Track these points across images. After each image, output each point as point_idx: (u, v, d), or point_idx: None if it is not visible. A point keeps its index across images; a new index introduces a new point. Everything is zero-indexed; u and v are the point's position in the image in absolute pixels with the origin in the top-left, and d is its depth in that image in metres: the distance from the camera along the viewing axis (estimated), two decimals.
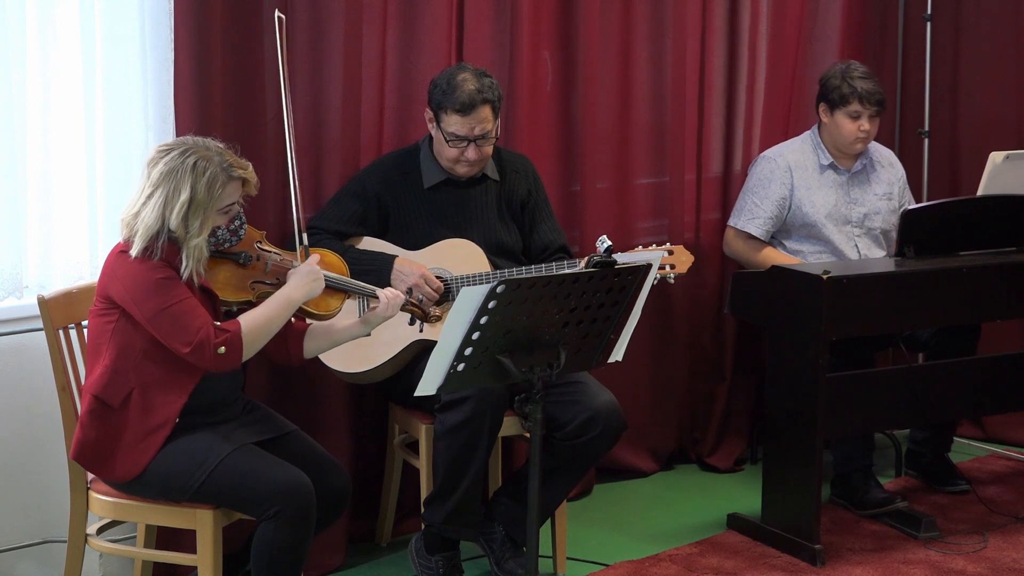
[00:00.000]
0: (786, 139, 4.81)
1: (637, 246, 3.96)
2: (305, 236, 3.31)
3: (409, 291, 3.38)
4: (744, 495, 4.59)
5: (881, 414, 4.19)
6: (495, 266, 3.85)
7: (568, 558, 3.98)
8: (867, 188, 4.66)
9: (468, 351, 2.80)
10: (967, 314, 4.33)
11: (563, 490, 3.80)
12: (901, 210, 4.38)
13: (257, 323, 3.11)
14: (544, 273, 3.74)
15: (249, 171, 3.14)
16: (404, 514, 4.21)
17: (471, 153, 3.81)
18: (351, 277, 3.36)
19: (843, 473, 4.43)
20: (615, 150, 4.69)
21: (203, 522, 3.13)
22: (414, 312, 3.36)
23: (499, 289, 2.73)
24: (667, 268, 3.86)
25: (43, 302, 3.26)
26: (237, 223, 3.18)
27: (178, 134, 3.52)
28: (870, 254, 4.61)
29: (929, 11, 5.32)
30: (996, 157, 4.47)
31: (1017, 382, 4.39)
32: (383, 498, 4.13)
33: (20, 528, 3.60)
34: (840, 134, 4.54)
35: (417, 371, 2.97)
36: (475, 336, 2.78)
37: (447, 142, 3.80)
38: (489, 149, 3.86)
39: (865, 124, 4.51)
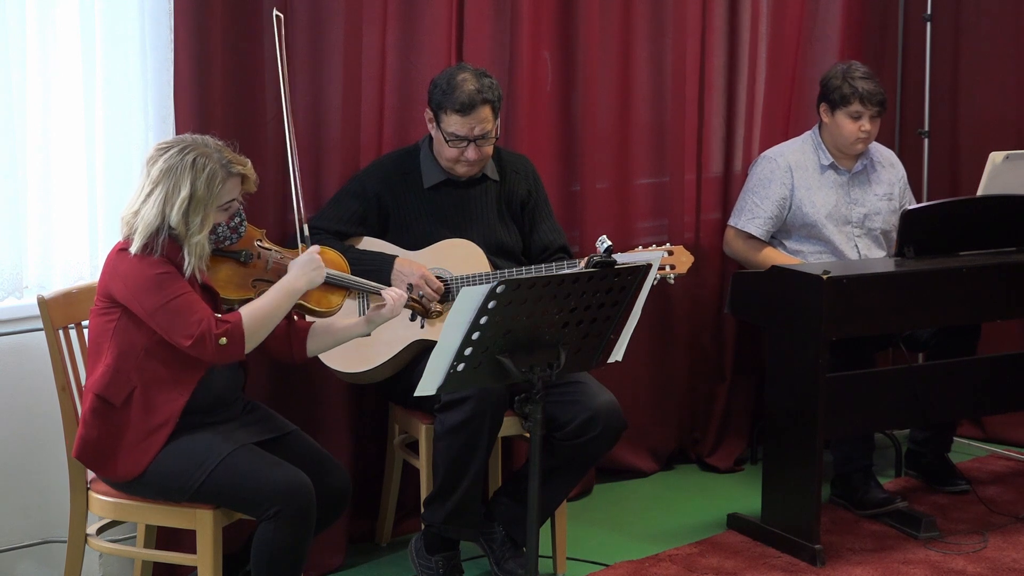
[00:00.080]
0: (786, 139, 4.81)
1: (637, 246, 3.96)
2: (306, 226, 3.31)
3: (409, 287, 3.38)
4: (744, 495, 4.59)
5: (881, 414, 4.19)
6: (495, 266, 3.85)
7: (568, 558, 3.98)
8: (867, 188, 4.66)
9: (468, 351, 2.80)
10: (967, 314, 4.33)
11: (563, 490, 3.80)
12: (901, 210, 4.38)
13: (258, 314, 3.10)
14: (544, 273, 3.74)
15: (248, 167, 3.14)
16: (404, 514, 4.21)
17: (471, 153, 3.81)
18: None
19: (843, 473, 4.43)
20: (615, 150, 4.68)
21: (203, 522, 3.13)
22: (415, 308, 3.36)
23: (499, 289, 2.73)
24: (667, 268, 3.86)
25: (43, 302, 3.27)
26: (237, 220, 3.18)
27: (178, 134, 3.52)
28: (870, 254, 4.61)
29: (929, 11, 5.32)
30: (996, 157, 4.47)
31: (1017, 382, 4.39)
32: (383, 498, 4.13)
33: (20, 528, 3.60)
34: (841, 134, 4.54)
35: (417, 371, 2.97)
36: (475, 336, 2.78)
37: (447, 142, 3.80)
38: (489, 149, 3.86)
39: (866, 124, 4.51)
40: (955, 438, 4.86)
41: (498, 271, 3.83)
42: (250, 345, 3.09)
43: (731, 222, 4.68)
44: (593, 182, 4.59)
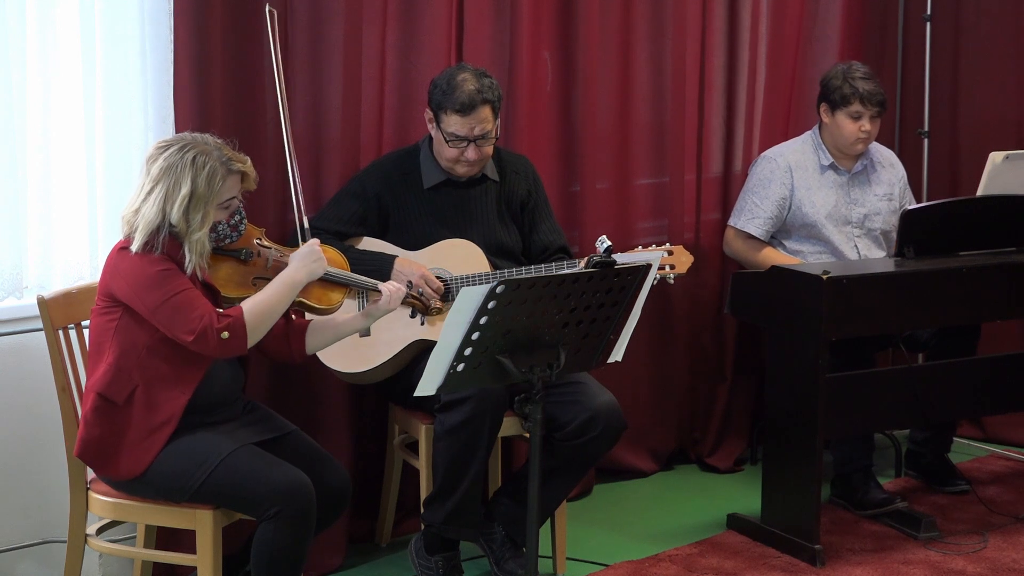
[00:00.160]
0: (786, 139, 4.81)
1: (637, 246, 3.96)
2: (307, 219, 3.31)
3: (409, 284, 3.38)
4: (744, 495, 4.59)
5: (881, 414, 4.19)
6: (495, 266, 3.85)
7: (568, 558, 3.98)
8: (867, 189, 4.66)
9: (468, 351, 2.80)
10: (967, 314, 4.33)
11: (563, 490, 3.80)
12: (901, 210, 4.38)
13: (260, 307, 3.10)
14: (544, 273, 3.74)
15: (248, 165, 3.15)
16: (404, 514, 4.21)
17: (471, 153, 3.81)
18: None
19: (843, 473, 4.43)
20: (615, 150, 4.68)
21: (203, 522, 3.13)
22: (415, 305, 3.36)
23: (499, 289, 2.73)
24: (667, 268, 3.86)
25: (43, 302, 3.27)
26: (237, 218, 3.19)
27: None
28: (870, 254, 4.61)
29: (929, 11, 5.32)
30: (996, 157, 4.47)
31: (1017, 382, 4.38)
32: (383, 498, 4.13)
33: (20, 528, 3.60)
34: (841, 135, 4.54)
35: (417, 371, 2.97)
36: (475, 336, 2.78)
37: (447, 142, 3.80)
38: (489, 149, 3.86)
39: (866, 125, 4.51)
40: (955, 438, 4.86)
41: (498, 271, 3.83)
42: (252, 338, 3.09)
43: (731, 222, 4.68)
44: (593, 182, 4.59)
